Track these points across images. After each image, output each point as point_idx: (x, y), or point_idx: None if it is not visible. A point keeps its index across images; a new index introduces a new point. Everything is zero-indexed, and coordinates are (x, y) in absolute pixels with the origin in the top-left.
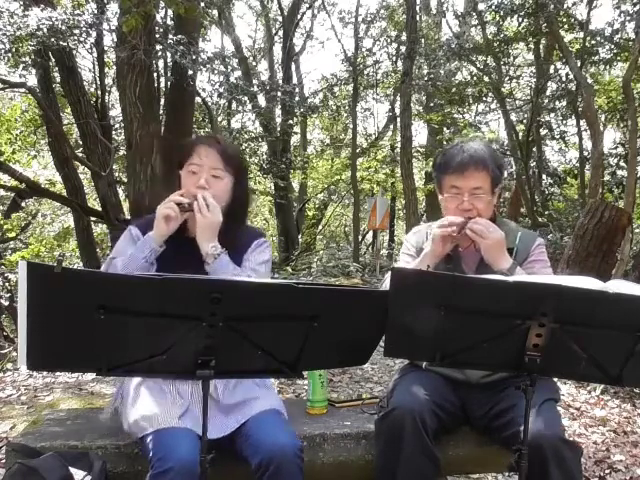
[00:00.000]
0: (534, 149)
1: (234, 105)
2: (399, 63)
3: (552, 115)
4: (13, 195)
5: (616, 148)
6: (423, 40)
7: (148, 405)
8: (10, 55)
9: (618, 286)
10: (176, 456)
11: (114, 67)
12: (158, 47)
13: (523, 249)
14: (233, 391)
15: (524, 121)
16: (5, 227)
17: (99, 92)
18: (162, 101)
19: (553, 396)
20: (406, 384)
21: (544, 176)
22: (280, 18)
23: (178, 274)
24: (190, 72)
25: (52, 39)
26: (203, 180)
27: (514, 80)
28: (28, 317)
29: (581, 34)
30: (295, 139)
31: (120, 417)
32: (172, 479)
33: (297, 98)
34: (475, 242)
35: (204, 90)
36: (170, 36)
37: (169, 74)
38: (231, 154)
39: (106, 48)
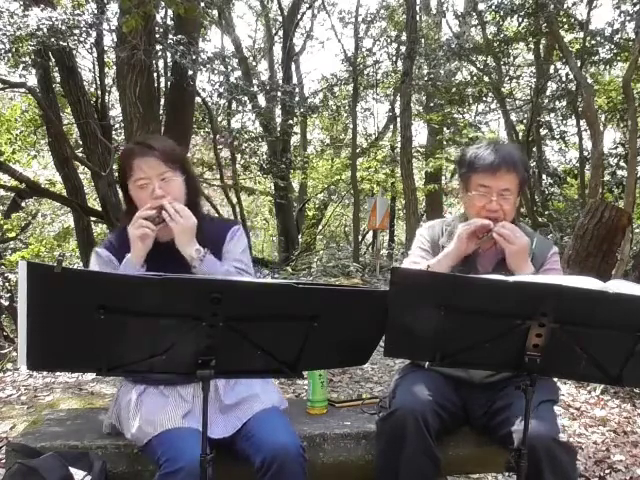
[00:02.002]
0: (534, 149)
1: (234, 105)
2: (399, 63)
3: (552, 115)
4: (13, 195)
5: (616, 148)
6: (423, 40)
7: (151, 411)
8: (10, 55)
9: (618, 286)
10: (186, 457)
11: (114, 67)
12: (158, 47)
13: (539, 255)
14: (233, 389)
15: (524, 121)
16: (5, 227)
17: (99, 92)
18: (162, 101)
19: (551, 397)
20: (408, 384)
21: (544, 176)
22: (280, 18)
23: (178, 274)
24: (190, 72)
25: (52, 39)
26: (158, 190)
27: (514, 80)
28: (28, 317)
29: (581, 34)
30: (295, 139)
31: (119, 429)
32: (183, 479)
33: (297, 98)
34: (496, 244)
35: (204, 90)
36: (170, 36)
37: (169, 74)
38: (169, 152)
39: (106, 48)
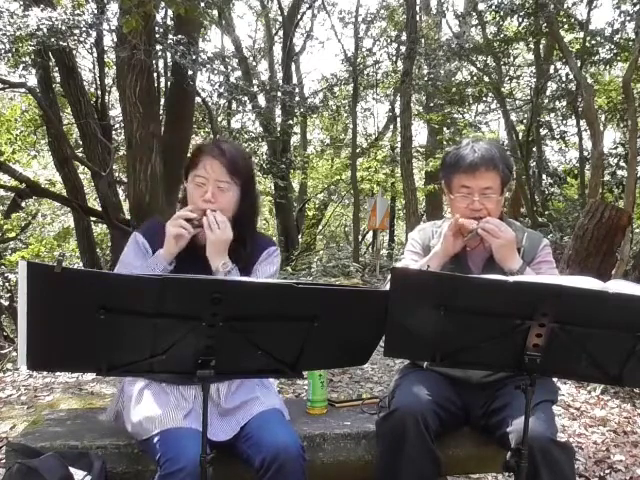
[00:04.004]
0: (534, 149)
1: (234, 105)
2: (399, 63)
3: (552, 115)
4: (13, 195)
5: (616, 148)
6: (423, 40)
7: (152, 407)
8: (10, 55)
9: (618, 286)
10: (187, 457)
11: (114, 67)
12: (158, 47)
13: (530, 249)
14: (235, 393)
15: (524, 121)
16: (5, 227)
17: (99, 92)
18: (162, 101)
19: (550, 397)
20: (407, 384)
21: (544, 176)
22: (280, 18)
23: (178, 274)
24: (190, 72)
25: (52, 39)
26: (209, 194)
27: (514, 80)
28: (28, 317)
29: (581, 34)
30: (295, 139)
31: (122, 420)
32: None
33: (297, 98)
34: (483, 242)
35: (204, 90)
36: (170, 36)
37: (169, 74)
38: (237, 164)
39: (106, 48)
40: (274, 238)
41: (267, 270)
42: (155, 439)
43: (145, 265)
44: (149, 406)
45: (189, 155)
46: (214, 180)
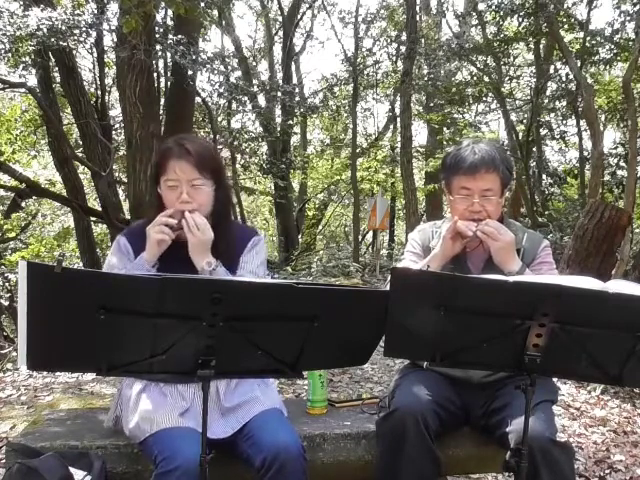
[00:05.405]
0: (534, 149)
1: (234, 105)
2: (399, 63)
3: (552, 115)
4: (13, 195)
5: (616, 148)
6: (423, 40)
7: (148, 408)
8: (10, 55)
9: (618, 286)
10: (183, 455)
11: (114, 67)
12: (158, 47)
13: (530, 250)
14: (234, 392)
15: (524, 121)
16: (5, 227)
17: (99, 92)
18: (162, 101)
19: (550, 397)
20: (407, 384)
21: (544, 176)
22: (280, 18)
23: (178, 274)
24: (190, 72)
25: (52, 39)
26: (185, 195)
27: (514, 80)
28: (28, 317)
29: (581, 34)
30: (295, 139)
31: (120, 425)
32: (178, 478)
33: (297, 98)
34: (483, 243)
35: (204, 90)
36: (170, 36)
37: (169, 74)
38: (204, 160)
39: (106, 48)
40: (274, 238)
41: (256, 259)
42: (151, 439)
43: (129, 268)
44: (145, 408)
45: (156, 161)
46: (186, 180)
